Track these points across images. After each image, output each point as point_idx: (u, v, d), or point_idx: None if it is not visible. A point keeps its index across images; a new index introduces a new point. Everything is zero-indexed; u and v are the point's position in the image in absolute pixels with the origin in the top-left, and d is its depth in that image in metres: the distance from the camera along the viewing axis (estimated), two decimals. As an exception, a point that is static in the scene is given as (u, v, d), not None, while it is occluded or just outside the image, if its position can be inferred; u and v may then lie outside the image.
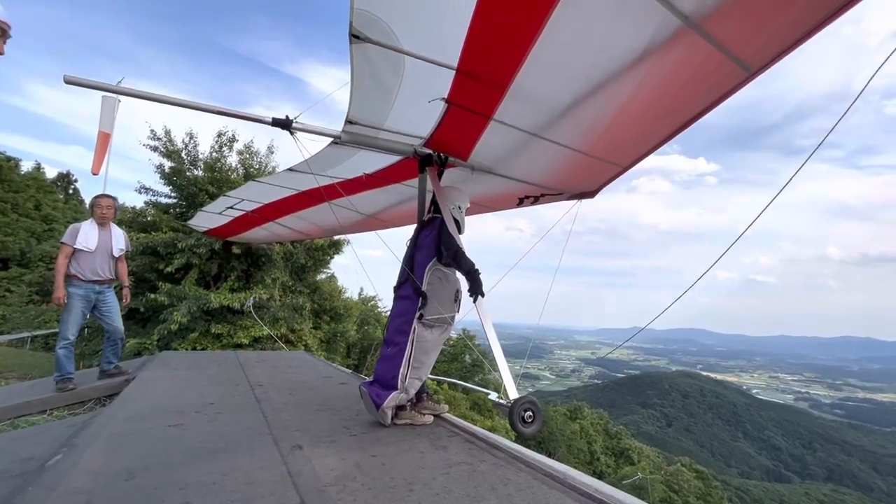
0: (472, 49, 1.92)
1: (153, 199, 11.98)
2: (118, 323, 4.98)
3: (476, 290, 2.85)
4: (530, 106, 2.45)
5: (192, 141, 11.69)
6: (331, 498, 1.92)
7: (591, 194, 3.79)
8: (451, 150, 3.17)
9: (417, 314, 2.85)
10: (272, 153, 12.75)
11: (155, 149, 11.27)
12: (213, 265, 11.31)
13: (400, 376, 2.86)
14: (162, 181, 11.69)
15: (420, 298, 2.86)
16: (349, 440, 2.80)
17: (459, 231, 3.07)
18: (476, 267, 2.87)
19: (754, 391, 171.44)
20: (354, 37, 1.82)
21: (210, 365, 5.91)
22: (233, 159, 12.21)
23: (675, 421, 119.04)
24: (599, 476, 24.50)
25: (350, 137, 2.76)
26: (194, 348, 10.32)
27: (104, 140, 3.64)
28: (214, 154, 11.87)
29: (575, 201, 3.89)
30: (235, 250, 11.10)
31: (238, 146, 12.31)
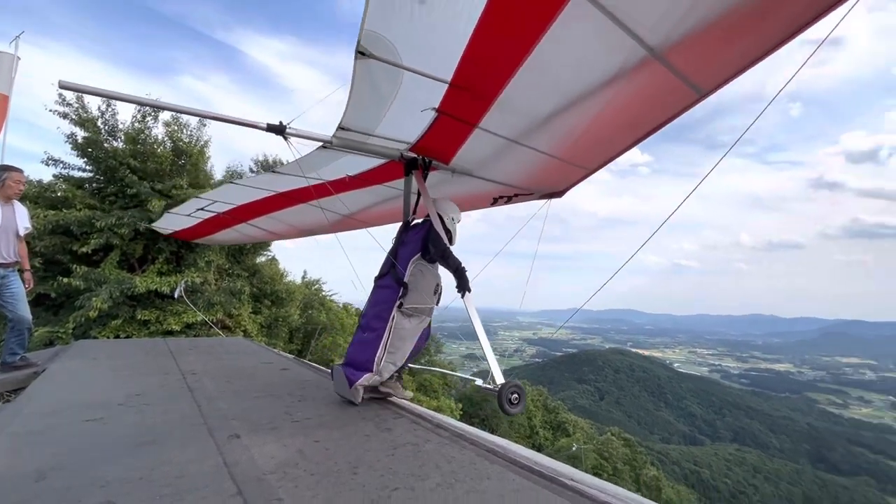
0: (467, 67, 2.13)
1: (64, 172, 10.74)
2: (24, 311, 4.46)
3: (463, 286, 3.01)
4: (513, 116, 2.66)
5: (109, 108, 10.54)
6: (270, 486, 1.86)
7: (559, 194, 4.11)
8: (435, 155, 3.33)
9: (398, 303, 2.97)
10: (204, 126, 11.83)
11: (65, 115, 10.03)
12: (137, 246, 10.42)
13: (375, 359, 2.93)
14: (74, 152, 10.49)
15: (401, 288, 2.99)
16: (291, 426, 2.73)
17: (451, 241, 3.30)
18: (462, 265, 3.03)
19: (675, 365, 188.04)
20: (360, 53, 1.98)
21: (136, 353, 5.49)
22: (159, 131, 11.18)
23: (607, 394, 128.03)
24: (538, 448, 25.92)
25: (341, 142, 2.86)
26: (117, 336, 9.53)
27: (1, 103, 3.18)
28: (137, 124, 10.79)
29: (545, 200, 4.23)
30: (163, 230, 10.29)
31: (164, 116, 11.28)
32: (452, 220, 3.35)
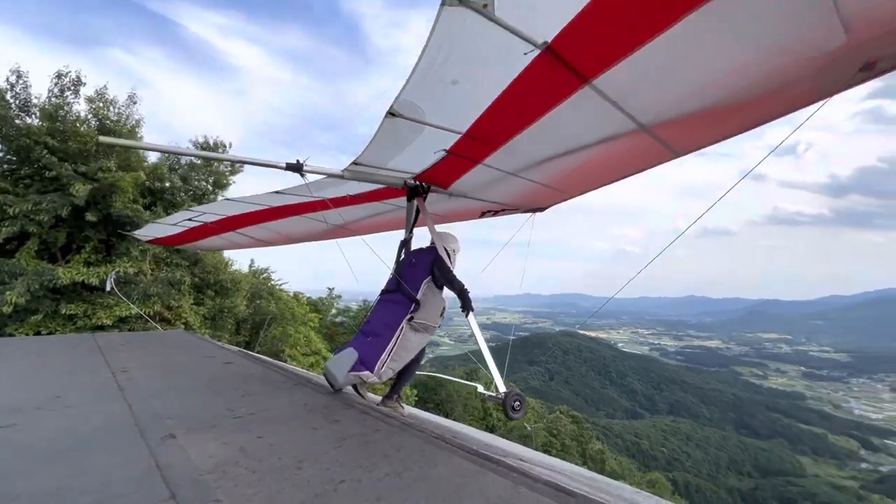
0: (482, 124, 2.43)
1: (-35, 151, 9.55)
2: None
3: (466, 306, 3.40)
4: (515, 156, 2.98)
5: (20, 80, 9.45)
6: (208, 487, 1.78)
7: (542, 209, 4.54)
8: (436, 182, 3.59)
9: (408, 316, 3.17)
10: (135, 103, 10.91)
11: (-37, 87, 8.88)
12: (59, 234, 9.52)
13: (378, 362, 3.03)
14: (-23, 129, 9.34)
15: (413, 304, 3.21)
16: (233, 423, 2.61)
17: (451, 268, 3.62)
18: (466, 288, 3.38)
19: (619, 345, 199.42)
20: (391, 114, 2.24)
21: (58, 351, 5.03)
22: (81, 107, 10.17)
23: (557, 375, 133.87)
24: (491, 429, 26.69)
25: (352, 175, 3.09)
26: (38, 333, 8.73)
27: None
28: (55, 99, 9.75)
29: (530, 214, 4.65)
30: (91, 217, 9.43)
31: (87, 91, 10.26)
32: (453, 251, 3.69)
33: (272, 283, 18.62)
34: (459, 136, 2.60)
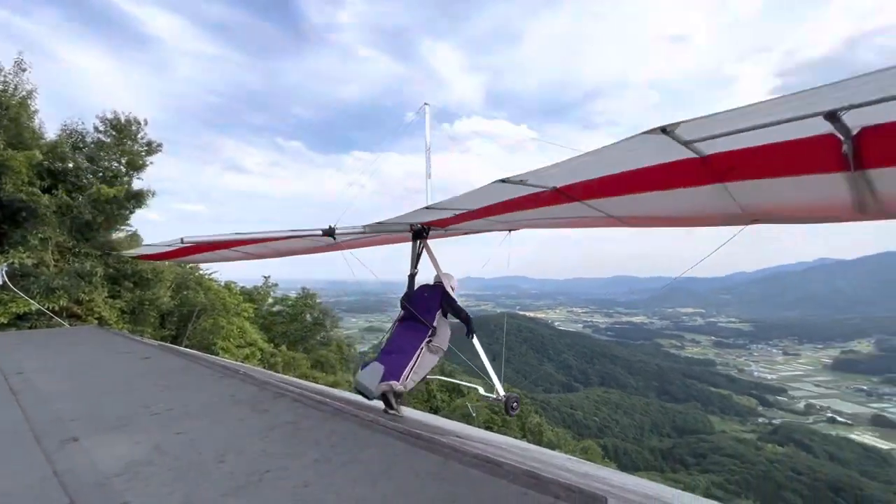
0: (497, 207, 3.06)
1: None
2: None
3: (470, 330, 4.07)
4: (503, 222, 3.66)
5: None
6: (114, 490, 1.65)
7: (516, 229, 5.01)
8: (436, 226, 4.18)
9: (427, 340, 3.73)
10: (24, 70, 9.56)
11: None
12: (-68, 221, 8.22)
13: (403, 375, 3.50)
14: None
15: (430, 331, 3.78)
16: (149, 421, 2.44)
17: None
18: (468, 315, 4.02)
19: (556, 324, 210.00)
20: (427, 208, 3.15)
21: (-66, 355, 4.38)
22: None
23: (498, 355, 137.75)
24: (435, 410, 27.19)
25: (371, 230, 3.66)
26: None
27: None
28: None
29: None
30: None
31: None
32: (452, 289, 4.16)
33: (200, 272, 17.42)
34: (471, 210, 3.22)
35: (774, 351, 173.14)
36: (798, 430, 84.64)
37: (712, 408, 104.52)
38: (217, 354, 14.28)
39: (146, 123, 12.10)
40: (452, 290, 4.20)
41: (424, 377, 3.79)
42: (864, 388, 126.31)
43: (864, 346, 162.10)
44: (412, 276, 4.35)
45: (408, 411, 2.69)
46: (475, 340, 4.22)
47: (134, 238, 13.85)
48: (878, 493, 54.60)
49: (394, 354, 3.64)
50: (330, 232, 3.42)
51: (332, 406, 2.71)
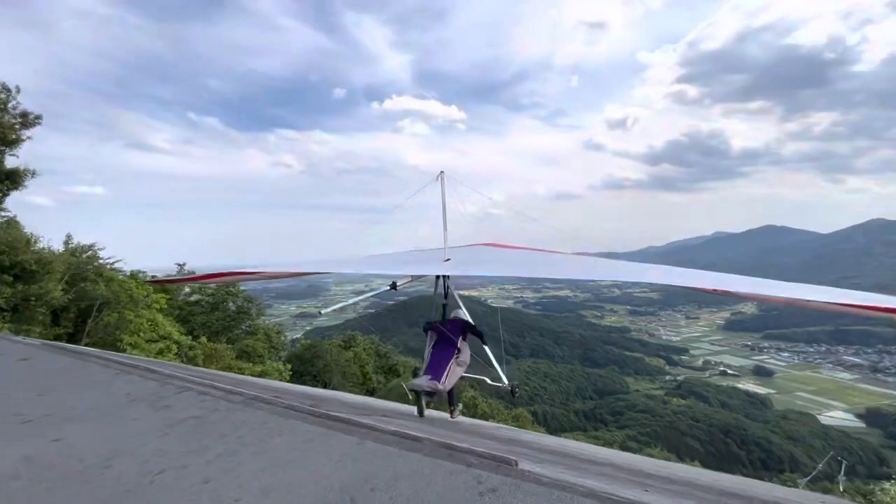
0: None
1: None
2: None
3: (484, 341, 5.67)
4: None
5: None
6: (-36, 512, 1.42)
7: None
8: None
9: (455, 357, 5.20)
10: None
11: None
12: None
13: (443, 378, 4.94)
14: None
15: (456, 350, 5.24)
16: (18, 430, 2.13)
17: None
18: (482, 331, 5.64)
19: (489, 301, 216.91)
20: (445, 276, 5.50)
21: None
22: None
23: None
24: (371, 392, 27.13)
25: (414, 277, 5.75)
26: None
27: None
28: None
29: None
30: None
31: None
32: (467, 318, 5.89)
33: (101, 262, 15.54)
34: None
35: (679, 316, 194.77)
36: (697, 384, 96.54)
37: (628, 370, 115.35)
38: (125, 351, 12.97)
39: (19, 91, 10.38)
40: (469, 320, 5.89)
41: (456, 381, 5.30)
42: (749, 343, 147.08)
43: (748, 308, 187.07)
44: (444, 306, 6.03)
45: (332, 394, 2.59)
46: (487, 347, 5.74)
47: (12, 225, 12.02)
48: (758, 430, 64.49)
49: (435, 368, 5.15)
50: (394, 286, 5.61)
51: (246, 396, 2.55)
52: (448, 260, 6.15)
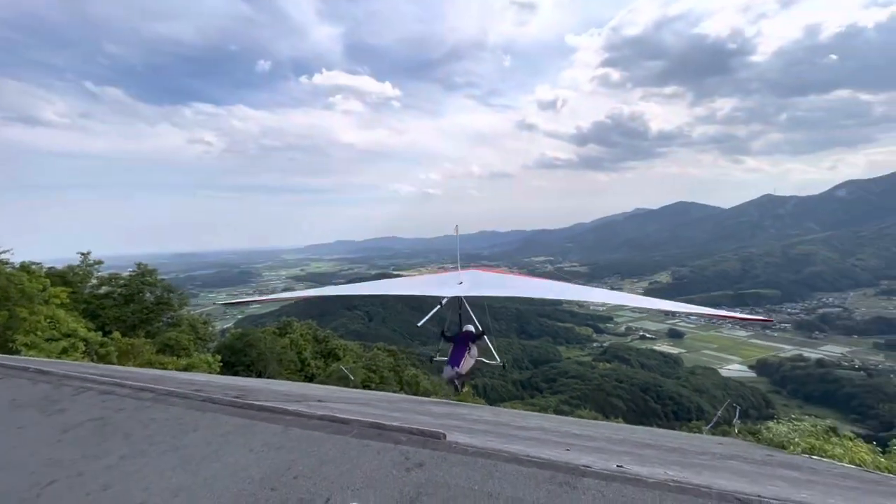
0: None
1: None
2: None
3: (485, 334, 8.33)
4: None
5: None
6: None
7: None
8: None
9: (468, 351, 7.77)
10: None
11: None
12: None
13: (461, 365, 7.56)
14: None
15: (467, 348, 7.78)
16: None
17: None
18: (482, 329, 8.40)
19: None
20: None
21: None
22: None
23: (375, 316, 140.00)
24: (311, 378, 26.50)
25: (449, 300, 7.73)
26: None
27: None
28: None
29: None
30: None
31: None
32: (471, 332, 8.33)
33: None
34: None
35: (605, 287, 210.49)
36: (620, 349, 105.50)
37: (560, 339, 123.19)
38: (18, 353, 11.50)
39: None
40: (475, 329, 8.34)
41: (469, 368, 7.92)
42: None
43: (664, 277, 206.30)
44: (460, 316, 8.51)
45: (262, 383, 2.46)
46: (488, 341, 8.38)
47: None
48: (671, 386, 72.30)
49: (455, 360, 7.63)
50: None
51: (158, 392, 2.36)
52: (461, 283, 8.30)
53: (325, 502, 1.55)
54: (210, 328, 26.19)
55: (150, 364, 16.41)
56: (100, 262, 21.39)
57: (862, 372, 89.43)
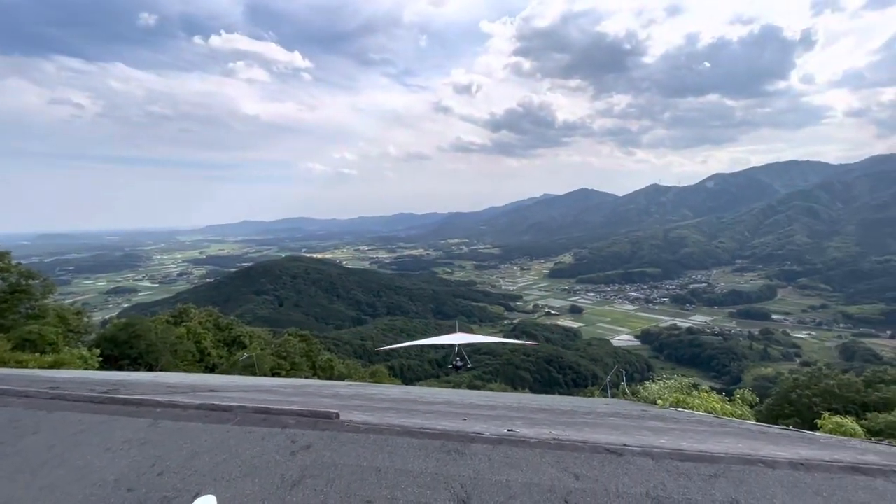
0: None
1: None
2: None
3: (468, 367, 22.61)
4: None
5: None
6: None
7: None
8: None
9: (460, 372, 20.51)
10: None
11: None
12: None
13: (461, 370, 19.17)
14: None
15: (461, 370, 19.38)
16: None
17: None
18: (466, 363, 19.62)
19: (344, 262, 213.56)
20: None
21: None
22: None
23: (287, 300, 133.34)
24: (212, 368, 24.56)
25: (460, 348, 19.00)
26: None
27: None
28: None
29: None
30: None
31: None
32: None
33: None
34: None
35: (515, 268, 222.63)
36: (528, 325, 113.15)
37: (474, 318, 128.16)
38: None
39: None
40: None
41: (467, 357, 17.61)
42: (566, 287, 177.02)
43: (566, 258, 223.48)
44: (458, 356, 17.93)
45: (154, 376, 2.17)
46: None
47: None
48: (572, 357, 79.50)
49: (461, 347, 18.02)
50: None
51: (46, 394, 1.98)
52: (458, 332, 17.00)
53: (194, 498, 1.42)
54: (85, 319, 22.86)
55: (4, 362, 13.92)
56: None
57: (720, 336, 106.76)
